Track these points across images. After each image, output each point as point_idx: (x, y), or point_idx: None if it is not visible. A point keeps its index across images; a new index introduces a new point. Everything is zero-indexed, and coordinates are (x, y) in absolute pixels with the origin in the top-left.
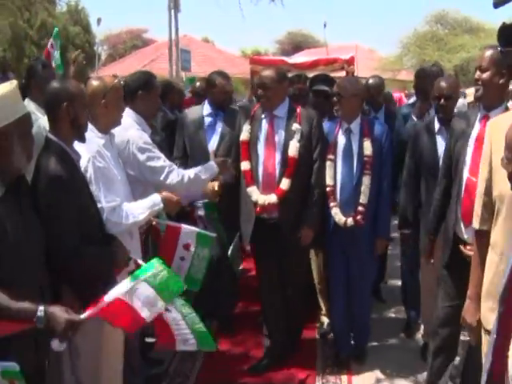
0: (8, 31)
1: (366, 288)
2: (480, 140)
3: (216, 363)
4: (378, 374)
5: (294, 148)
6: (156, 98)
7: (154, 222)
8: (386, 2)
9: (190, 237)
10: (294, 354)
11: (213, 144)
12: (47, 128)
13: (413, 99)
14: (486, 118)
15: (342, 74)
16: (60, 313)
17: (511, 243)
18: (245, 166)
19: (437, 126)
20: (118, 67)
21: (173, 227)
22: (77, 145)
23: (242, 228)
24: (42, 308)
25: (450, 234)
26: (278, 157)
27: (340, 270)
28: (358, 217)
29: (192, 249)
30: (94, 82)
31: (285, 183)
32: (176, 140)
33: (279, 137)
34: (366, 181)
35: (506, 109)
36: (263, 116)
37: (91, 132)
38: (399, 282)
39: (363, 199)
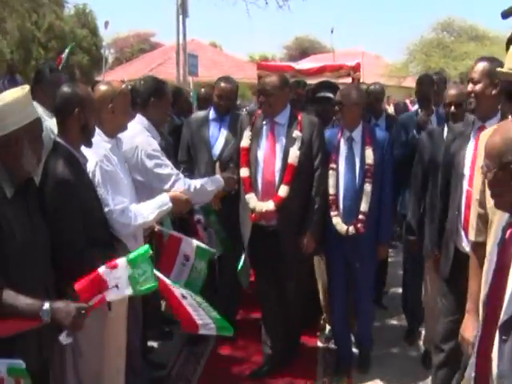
0: (16, 33)
1: (368, 295)
2: (477, 151)
3: (217, 368)
4: (378, 382)
5: (293, 155)
6: (167, 106)
7: (156, 229)
8: (392, 8)
9: (190, 248)
10: (294, 361)
11: (217, 149)
12: (54, 131)
13: (416, 107)
14: (481, 128)
15: (348, 80)
16: (66, 304)
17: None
18: (244, 172)
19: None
20: (125, 71)
21: (174, 237)
22: (84, 149)
23: (242, 231)
24: (47, 303)
25: (450, 248)
26: (277, 164)
27: (341, 277)
28: (359, 225)
29: (191, 260)
30: (102, 87)
31: (283, 190)
32: (181, 144)
33: (280, 144)
34: (368, 189)
35: (502, 118)
36: (264, 122)
37: (98, 136)
38: (400, 290)
39: (364, 207)
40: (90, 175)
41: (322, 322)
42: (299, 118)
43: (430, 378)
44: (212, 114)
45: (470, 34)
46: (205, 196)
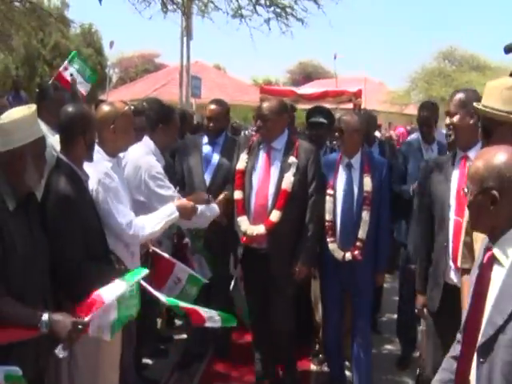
0: (22, 50)
1: (365, 322)
2: (462, 180)
3: None
4: None
5: (287, 181)
6: (175, 132)
7: (151, 250)
8: (395, 36)
9: (183, 274)
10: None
11: (209, 174)
12: (56, 148)
13: (414, 135)
14: (465, 158)
15: (350, 106)
16: (64, 318)
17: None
18: (237, 195)
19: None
20: (129, 90)
21: (168, 260)
22: (86, 167)
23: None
24: (46, 314)
25: (439, 280)
26: (271, 188)
27: (336, 304)
28: (356, 252)
29: (182, 282)
30: (105, 108)
31: (275, 215)
32: (176, 166)
33: (275, 169)
34: (365, 216)
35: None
36: (261, 147)
37: (99, 154)
38: (395, 316)
39: (361, 234)
40: (93, 193)
41: (316, 344)
42: (296, 144)
43: None
44: (204, 138)
45: (472, 63)
46: (203, 221)
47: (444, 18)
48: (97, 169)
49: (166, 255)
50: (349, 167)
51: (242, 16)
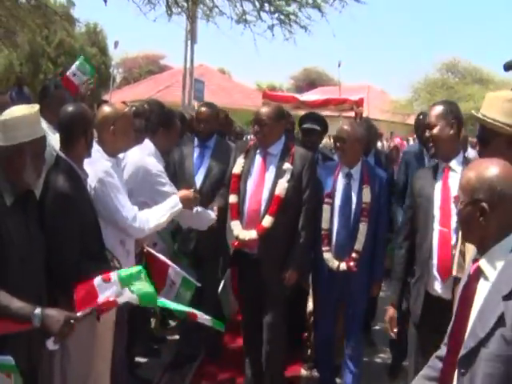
0: (26, 47)
1: (357, 331)
2: (446, 190)
3: None
4: None
5: (281, 187)
6: (175, 136)
7: (145, 250)
8: (399, 46)
9: (177, 277)
10: None
11: (199, 179)
12: (56, 147)
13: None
14: (447, 169)
15: (351, 114)
16: (56, 312)
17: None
18: (232, 199)
19: None
20: (133, 91)
21: (162, 262)
22: (87, 165)
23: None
24: (39, 308)
25: (421, 291)
26: (265, 194)
27: (329, 313)
28: (351, 263)
29: (177, 285)
30: (106, 109)
31: (267, 221)
32: (170, 167)
33: (270, 174)
34: (363, 228)
35: (464, 157)
36: (257, 151)
37: (99, 153)
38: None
39: (358, 246)
40: (94, 191)
41: (308, 349)
42: (292, 150)
43: None
44: (195, 140)
45: (475, 76)
46: (204, 221)
47: (448, 29)
48: (97, 167)
49: (160, 256)
50: (348, 177)
51: (246, 21)
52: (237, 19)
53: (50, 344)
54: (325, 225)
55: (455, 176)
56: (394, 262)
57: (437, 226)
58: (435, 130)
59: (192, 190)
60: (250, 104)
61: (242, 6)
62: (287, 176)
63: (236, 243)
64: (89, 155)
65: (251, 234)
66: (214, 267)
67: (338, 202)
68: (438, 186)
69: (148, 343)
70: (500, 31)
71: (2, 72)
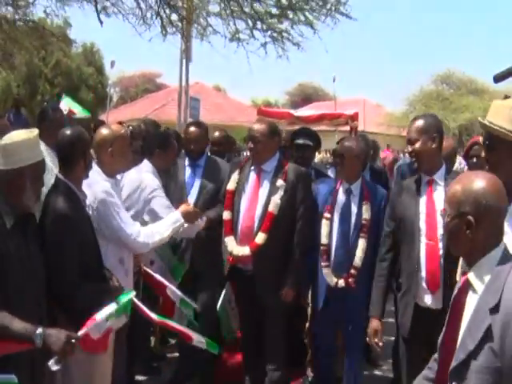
0: (23, 68)
1: (359, 349)
2: (431, 203)
3: None
4: None
5: (274, 204)
6: (172, 156)
7: (143, 269)
8: (394, 59)
9: (175, 296)
10: None
11: (192, 197)
12: (54, 169)
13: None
14: (431, 182)
15: (346, 128)
16: (57, 332)
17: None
18: (226, 215)
19: None
20: (130, 110)
21: (159, 282)
22: (86, 186)
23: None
24: (40, 328)
25: (410, 303)
26: (258, 210)
27: (328, 330)
28: (350, 279)
29: (177, 305)
30: (104, 131)
31: (260, 237)
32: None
33: (263, 191)
34: (362, 244)
35: (447, 169)
36: (252, 168)
37: (98, 175)
38: (391, 338)
39: (357, 262)
40: (95, 212)
41: (308, 367)
42: (286, 167)
43: None
44: (186, 159)
45: (469, 87)
46: (190, 230)
47: (442, 42)
48: (97, 188)
49: (157, 276)
50: (348, 193)
51: (239, 40)
52: (230, 37)
53: (52, 364)
54: (324, 240)
55: (439, 189)
56: (377, 274)
57: (423, 239)
58: (417, 145)
59: (190, 205)
60: (246, 120)
61: (235, 24)
62: (280, 193)
63: (230, 259)
64: (86, 176)
65: (244, 251)
66: (211, 281)
67: (337, 217)
68: (423, 199)
69: (148, 361)
70: (493, 42)
71: (0, 94)
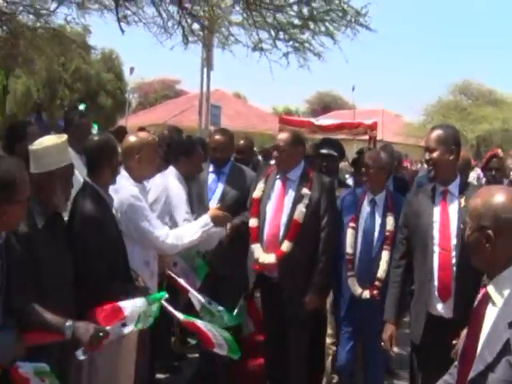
0: (43, 73)
1: (380, 361)
2: (445, 213)
3: None
4: None
5: (299, 212)
6: (197, 163)
7: (167, 273)
8: (412, 69)
9: (197, 303)
10: None
11: (213, 202)
12: (82, 172)
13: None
14: (446, 192)
15: (365, 137)
16: (86, 325)
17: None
18: (253, 222)
19: None
20: (148, 116)
21: (182, 286)
22: (115, 191)
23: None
24: (70, 321)
25: (421, 312)
26: (284, 218)
27: (350, 341)
28: (375, 291)
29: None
30: (131, 138)
31: (286, 246)
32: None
33: (288, 199)
34: (386, 256)
35: (462, 180)
36: (277, 177)
37: (127, 181)
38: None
39: (381, 274)
40: (124, 215)
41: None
42: (311, 175)
43: None
44: (211, 166)
45: (488, 97)
46: (214, 239)
47: (460, 52)
48: (125, 193)
49: (180, 281)
50: (372, 204)
51: (261, 49)
52: (253, 47)
53: (80, 354)
54: (349, 249)
55: (453, 199)
56: (391, 281)
57: (437, 249)
58: (435, 154)
59: (218, 207)
60: (266, 128)
61: (257, 34)
62: (305, 201)
63: (256, 266)
64: (113, 182)
65: (270, 258)
66: (232, 287)
67: (361, 228)
68: (437, 208)
69: (169, 360)
70: None
71: (20, 98)
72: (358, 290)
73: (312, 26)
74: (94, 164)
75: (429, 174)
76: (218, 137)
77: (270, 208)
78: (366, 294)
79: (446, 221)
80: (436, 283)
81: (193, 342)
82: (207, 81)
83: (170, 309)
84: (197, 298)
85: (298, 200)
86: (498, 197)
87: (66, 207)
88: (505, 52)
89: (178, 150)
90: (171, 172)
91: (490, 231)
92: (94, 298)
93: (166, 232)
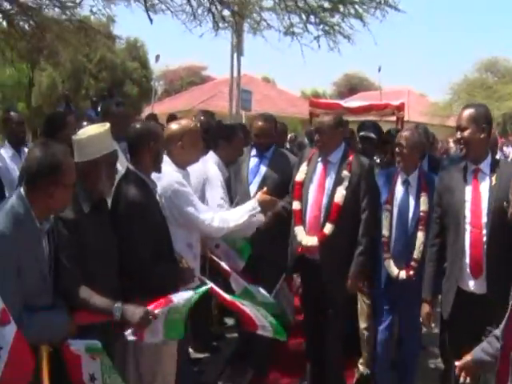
0: (68, 65)
1: (416, 340)
2: (476, 192)
3: None
4: None
5: (340, 194)
6: (237, 148)
7: (209, 256)
8: (437, 48)
9: (238, 287)
10: None
11: (254, 186)
12: (121, 161)
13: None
14: (477, 171)
15: (393, 118)
16: (135, 308)
17: None
18: (296, 205)
19: None
20: (174, 102)
21: (225, 269)
22: (159, 178)
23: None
24: (119, 303)
25: (452, 287)
26: (324, 201)
27: (388, 322)
28: (411, 272)
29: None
30: (173, 126)
31: (328, 228)
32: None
33: (329, 181)
34: (421, 236)
35: (493, 158)
36: (319, 160)
37: (170, 167)
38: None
39: (417, 254)
40: (168, 200)
41: (359, 365)
42: (350, 158)
43: None
44: (253, 150)
45: None
46: (249, 230)
47: (486, 29)
48: (169, 179)
49: (222, 264)
50: (406, 184)
51: (293, 33)
52: (284, 31)
53: (129, 335)
54: (385, 232)
55: (485, 178)
56: (427, 259)
57: (468, 227)
58: (466, 133)
59: (265, 191)
60: (295, 111)
61: (289, 18)
62: (345, 183)
63: (299, 248)
64: (157, 170)
65: (313, 241)
66: (272, 269)
67: (396, 209)
68: (469, 187)
69: (208, 340)
70: None
71: (45, 90)
72: (394, 271)
73: (342, 8)
74: (134, 151)
75: (461, 153)
76: (261, 123)
77: (311, 191)
78: (403, 274)
79: (477, 199)
80: (468, 260)
81: (230, 322)
82: (238, 66)
83: (217, 290)
84: (238, 280)
85: (338, 182)
86: None
87: (111, 193)
88: None
89: (218, 135)
90: (211, 157)
91: None
92: (139, 282)
93: (212, 215)
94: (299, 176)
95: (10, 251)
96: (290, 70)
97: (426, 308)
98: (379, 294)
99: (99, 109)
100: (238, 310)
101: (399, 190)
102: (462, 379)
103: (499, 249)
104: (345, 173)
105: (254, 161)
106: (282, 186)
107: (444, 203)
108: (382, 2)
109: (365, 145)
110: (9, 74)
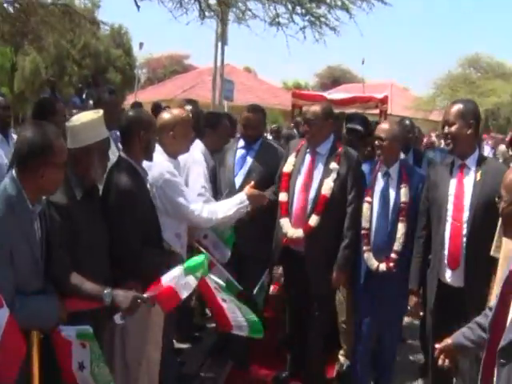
0: (52, 50)
1: (396, 333)
2: (460, 186)
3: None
4: None
5: (327, 186)
6: (222, 136)
7: (196, 246)
8: (421, 42)
9: (222, 277)
10: None
11: (240, 177)
12: (112, 148)
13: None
14: (463, 166)
15: (376, 111)
16: (125, 292)
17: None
18: (282, 197)
19: None
20: (157, 91)
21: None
22: (151, 166)
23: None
24: (109, 288)
25: (434, 280)
26: (311, 193)
27: (369, 316)
28: (391, 264)
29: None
30: (165, 115)
31: (313, 220)
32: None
33: (317, 173)
34: (402, 228)
35: (480, 155)
36: (307, 151)
37: (161, 156)
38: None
39: (397, 246)
40: (159, 189)
41: (339, 357)
42: (339, 150)
43: None
44: (241, 142)
45: (497, 71)
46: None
47: (469, 25)
48: (159, 169)
49: (208, 254)
50: (386, 176)
51: (279, 24)
52: (270, 22)
53: (118, 319)
54: (365, 224)
55: (470, 173)
56: (414, 251)
57: (450, 219)
58: (453, 128)
59: (253, 185)
60: (277, 102)
61: (275, 9)
62: (333, 176)
63: (284, 240)
64: (149, 159)
65: (298, 233)
66: (256, 267)
67: (376, 201)
68: (453, 181)
69: (189, 330)
70: None
71: (28, 76)
72: (374, 263)
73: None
74: (124, 138)
75: (449, 148)
76: (249, 114)
77: (299, 182)
78: (383, 266)
79: (460, 194)
80: (446, 252)
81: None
82: (221, 56)
83: (222, 269)
84: (222, 271)
85: (326, 174)
86: None
87: (102, 180)
88: None
89: (203, 123)
90: (197, 145)
91: None
92: (128, 268)
93: (201, 206)
94: (287, 167)
95: (3, 234)
96: (271, 61)
97: (413, 298)
98: (359, 287)
99: (84, 96)
100: (216, 306)
101: (380, 182)
102: (440, 361)
103: (479, 244)
104: (333, 165)
105: (240, 152)
106: (267, 178)
107: (430, 196)
108: None
109: (351, 137)
110: None
